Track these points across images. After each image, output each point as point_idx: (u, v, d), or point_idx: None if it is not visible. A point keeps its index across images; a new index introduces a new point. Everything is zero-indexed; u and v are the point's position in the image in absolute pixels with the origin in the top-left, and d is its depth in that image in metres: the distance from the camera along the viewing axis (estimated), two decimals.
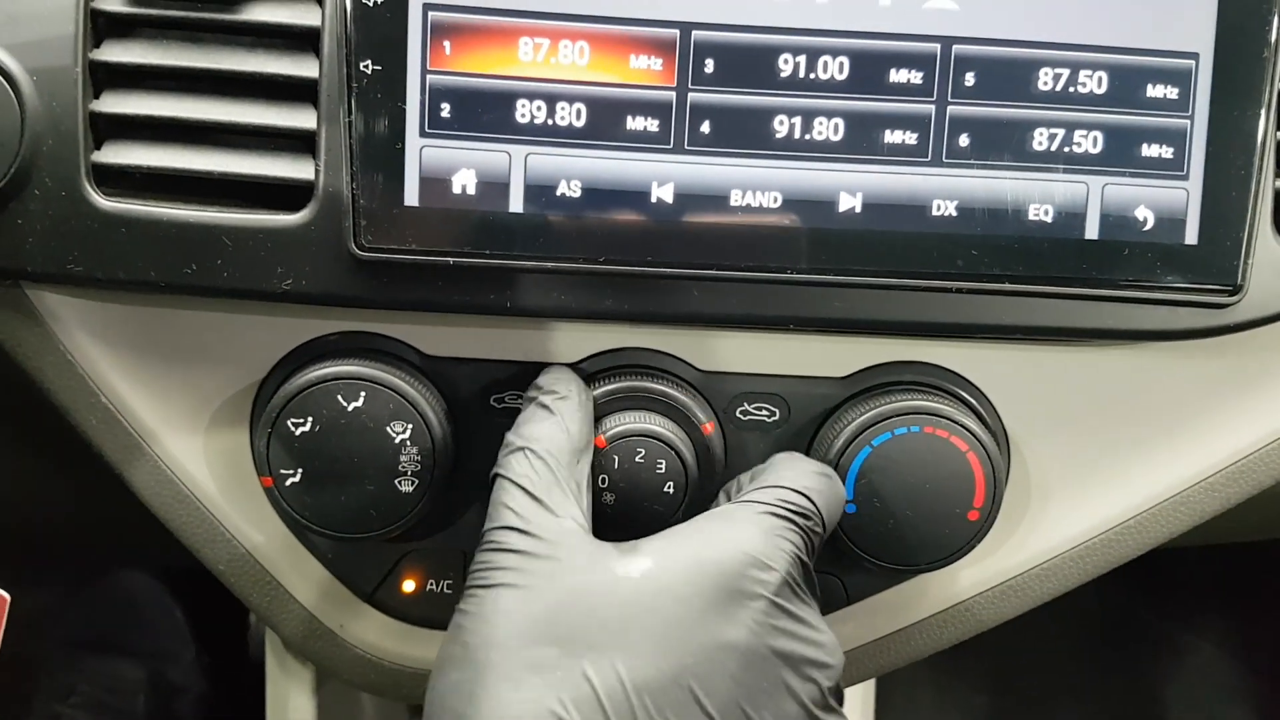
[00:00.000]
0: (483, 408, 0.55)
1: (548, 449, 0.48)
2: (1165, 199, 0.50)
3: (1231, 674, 1.51)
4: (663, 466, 0.52)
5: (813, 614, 0.47)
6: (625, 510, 0.53)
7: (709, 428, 0.54)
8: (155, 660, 1.29)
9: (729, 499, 0.51)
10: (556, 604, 0.43)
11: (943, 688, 1.54)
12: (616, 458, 0.52)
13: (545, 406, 0.50)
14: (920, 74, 0.49)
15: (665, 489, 0.52)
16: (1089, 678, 1.51)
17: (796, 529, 0.47)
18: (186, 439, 0.56)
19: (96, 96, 0.50)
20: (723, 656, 0.43)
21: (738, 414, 0.56)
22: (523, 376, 0.55)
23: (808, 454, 0.55)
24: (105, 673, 1.27)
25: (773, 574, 0.45)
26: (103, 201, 0.49)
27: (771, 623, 0.44)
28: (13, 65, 0.48)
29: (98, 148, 0.50)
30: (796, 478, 0.49)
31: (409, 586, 0.59)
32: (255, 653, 0.99)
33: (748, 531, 0.46)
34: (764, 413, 0.56)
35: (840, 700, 0.47)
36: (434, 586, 0.59)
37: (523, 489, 0.47)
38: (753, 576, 0.44)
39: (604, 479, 0.52)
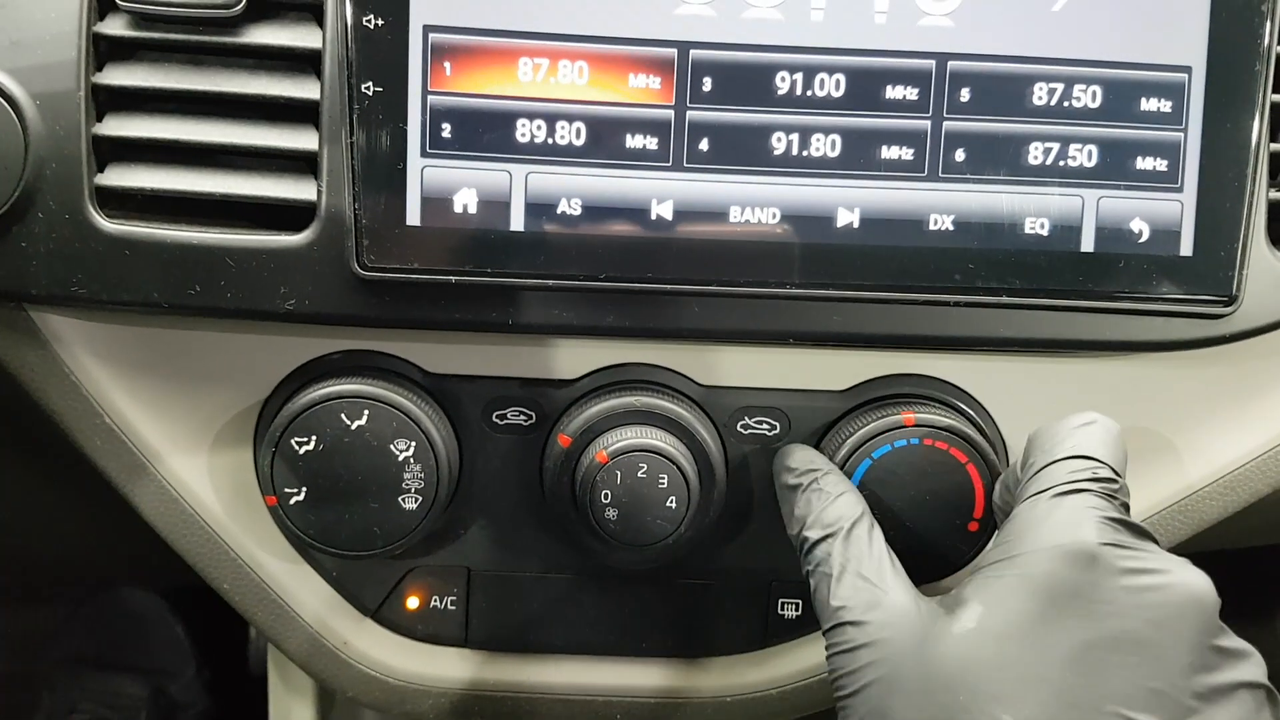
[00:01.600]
0: (485, 424, 0.56)
1: (843, 528, 0.48)
2: (1160, 211, 0.50)
3: None
4: (665, 481, 0.53)
5: (1152, 550, 0.44)
6: (629, 525, 0.53)
7: (710, 443, 0.55)
8: (156, 677, 1.29)
9: (1009, 491, 0.50)
10: (921, 683, 0.43)
11: None
12: (619, 473, 0.52)
13: (815, 487, 0.51)
14: (916, 90, 0.49)
15: (668, 503, 0.53)
16: None
17: (1093, 493, 0.45)
18: (191, 459, 0.56)
19: (99, 120, 0.50)
20: (1090, 654, 0.42)
21: (739, 428, 0.56)
22: (525, 393, 0.55)
23: None
24: (107, 689, 1.27)
25: (1090, 550, 0.43)
26: (106, 224, 0.50)
27: (1124, 587, 0.42)
28: (16, 90, 0.48)
29: (101, 170, 0.50)
30: (1065, 443, 0.47)
31: (413, 603, 0.59)
32: (256, 668, 0.99)
33: (1049, 528, 0.44)
34: (765, 426, 0.56)
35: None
36: (438, 603, 0.59)
37: (838, 577, 0.47)
38: (1077, 569, 0.43)
39: (607, 494, 0.52)
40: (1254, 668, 0.43)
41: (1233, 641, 0.43)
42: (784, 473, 0.53)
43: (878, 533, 0.49)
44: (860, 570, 0.47)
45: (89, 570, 1.09)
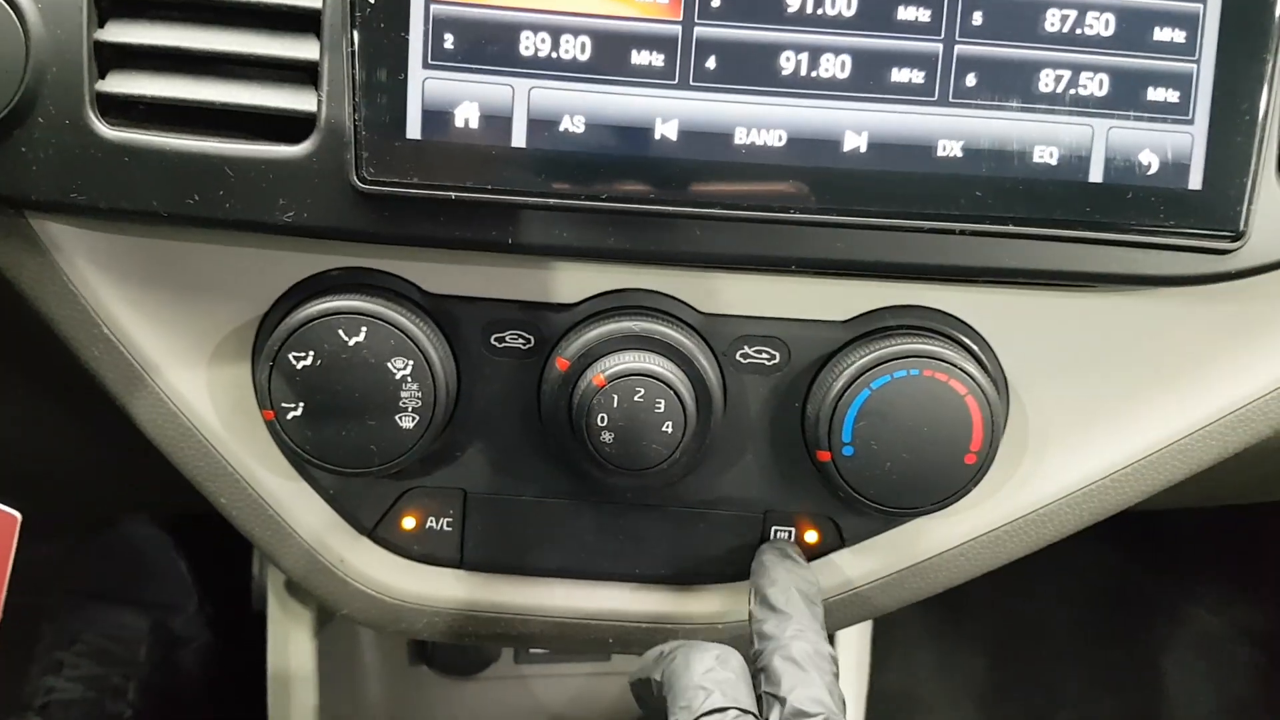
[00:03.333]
0: (483, 346, 0.56)
1: None
2: (1170, 143, 0.50)
3: (1229, 641, 1.51)
4: (661, 406, 0.53)
5: None
6: (624, 449, 0.53)
7: (709, 370, 0.54)
8: (158, 610, 1.30)
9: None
10: None
11: (941, 652, 1.55)
12: (616, 396, 0.52)
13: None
14: (928, 11, 0.48)
15: (664, 428, 0.53)
16: (1088, 645, 1.51)
17: None
18: (189, 372, 0.56)
19: (101, 25, 0.49)
20: None
21: (738, 356, 0.56)
22: (524, 316, 0.55)
23: (806, 396, 0.55)
24: (109, 622, 1.28)
25: None
26: (106, 130, 0.49)
27: None
28: None
29: (102, 77, 0.50)
30: (700, 695, 0.48)
31: (409, 523, 0.59)
32: (258, 604, 1.00)
33: None
34: (764, 355, 0.56)
35: None
36: (433, 524, 0.59)
37: None
38: None
39: (603, 418, 0.52)
40: None
41: None
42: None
43: None
44: None
45: (91, 498, 1.09)
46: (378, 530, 0.59)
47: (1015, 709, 1.50)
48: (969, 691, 1.52)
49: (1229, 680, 1.49)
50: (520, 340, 0.56)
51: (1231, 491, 0.93)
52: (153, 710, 1.23)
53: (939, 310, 0.56)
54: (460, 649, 0.90)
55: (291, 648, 0.79)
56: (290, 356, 0.52)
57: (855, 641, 0.97)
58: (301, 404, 0.52)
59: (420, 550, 0.60)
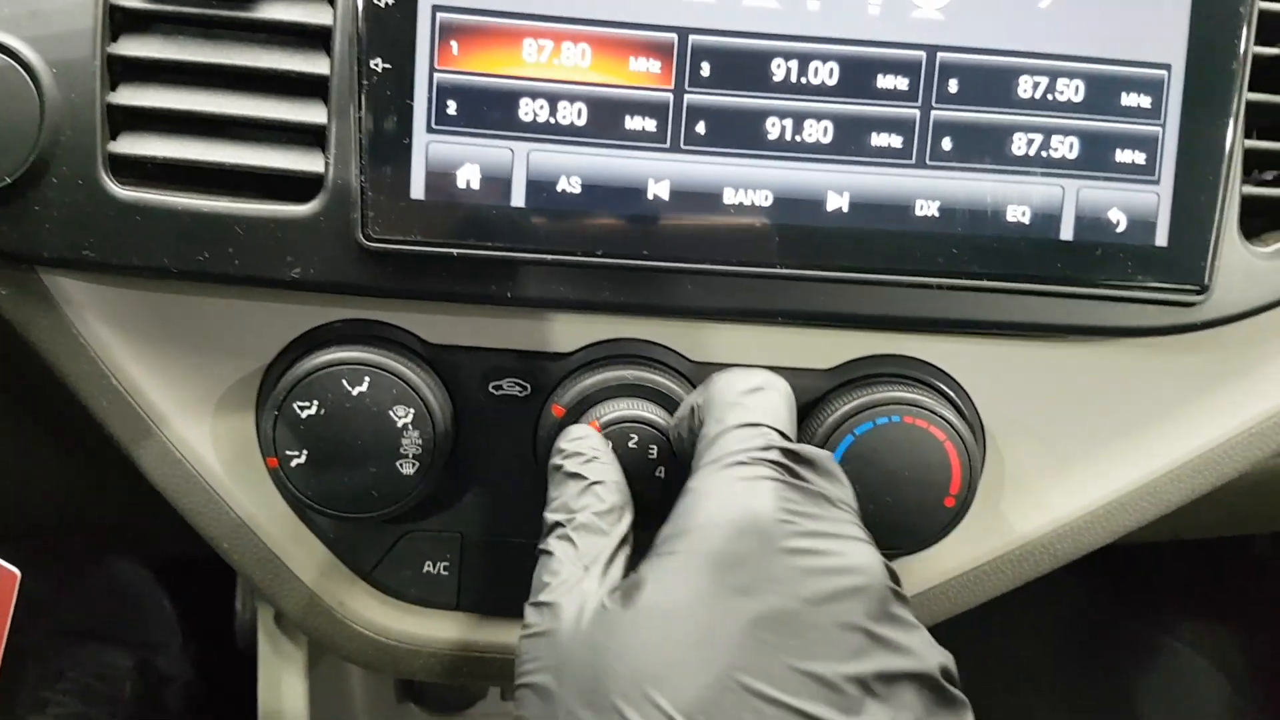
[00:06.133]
0: (481, 394, 0.57)
1: (580, 520, 0.47)
2: (1137, 202, 0.53)
3: (1201, 673, 1.52)
4: (654, 452, 0.54)
5: (827, 523, 0.43)
6: None
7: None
8: (143, 649, 1.30)
9: (683, 441, 0.51)
10: (588, 667, 0.41)
11: None
12: (611, 443, 0.54)
13: (575, 475, 0.50)
14: (906, 80, 0.51)
15: (657, 473, 0.55)
16: (1066, 677, 1.52)
17: (767, 463, 0.44)
18: (195, 422, 0.58)
19: (113, 89, 0.51)
20: (754, 633, 0.40)
21: None
22: (521, 364, 0.57)
23: None
24: (93, 660, 1.28)
25: (762, 523, 0.42)
26: (119, 190, 0.51)
27: (789, 565, 0.41)
28: (33, 58, 0.50)
29: (114, 138, 0.51)
30: (736, 409, 0.47)
31: (406, 568, 0.61)
32: (243, 642, 1.00)
33: (721, 501, 0.43)
34: None
35: (904, 600, 0.43)
36: (431, 568, 0.61)
37: (550, 568, 0.46)
38: (747, 543, 0.42)
39: None
40: (919, 657, 0.41)
41: (899, 630, 0.41)
42: (554, 453, 0.52)
43: (622, 523, 0.48)
44: (575, 557, 0.46)
45: (79, 541, 1.10)
46: (375, 573, 0.61)
47: None
48: None
49: (1200, 710, 1.50)
50: (517, 388, 0.58)
51: (1201, 528, 0.95)
52: None
53: (919, 359, 0.58)
54: (448, 686, 0.92)
55: (284, 687, 0.80)
56: (295, 405, 0.53)
57: None
58: (305, 451, 0.54)
59: (417, 593, 0.61)
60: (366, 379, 0.53)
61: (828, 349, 0.58)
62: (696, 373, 0.58)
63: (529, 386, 0.58)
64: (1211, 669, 1.52)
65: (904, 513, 0.56)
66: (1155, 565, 1.50)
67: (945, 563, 0.62)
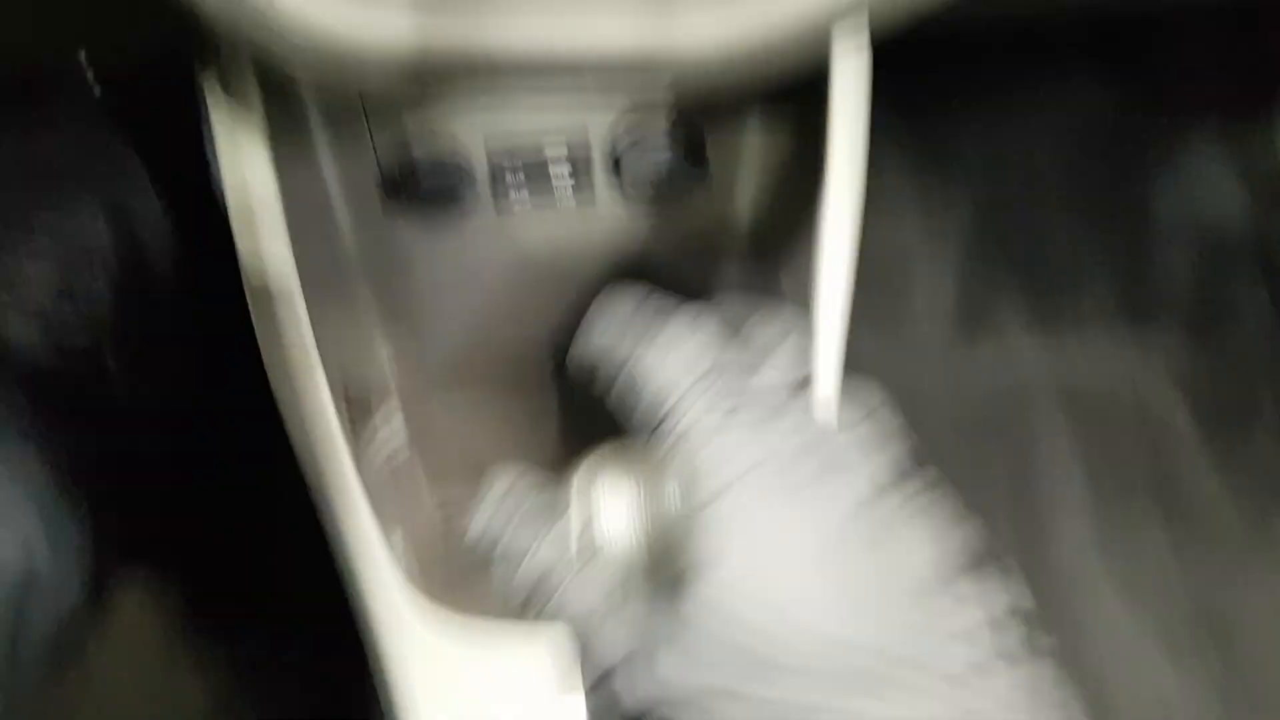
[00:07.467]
0: None
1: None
2: None
3: (1219, 177, 1.51)
4: None
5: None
6: None
7: None
8: (119, 212, 1.24)
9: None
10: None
11: (928, 214, 1.53)
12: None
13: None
14: None
15: None
16: (1083, 186, 1.50)
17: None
18: None
19: None
20: None
21: None
22: None
23: None
24: (71, 223, 1.22)
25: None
26: None
27: None
28: None
29: None
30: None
31: None
32: (218, 185, 0.93)
33: None
34: None
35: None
36: None
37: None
38: None
39: None
40: None
41: None
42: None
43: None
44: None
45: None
46: None
47: (1001, 263, 1.51)
48: (957, 248, 1.52)
49: (1215, 213, 1.50)
50: None
51: None
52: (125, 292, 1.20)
53: None
54: (438, 180, 0.83)
55: (244, 155, 0.71)
56: None
57: (846, 205, 0.89)
58: None
59: None
60: None
61: None
62: None
63: None
64: (1231, 174, 1.50)
65: None
66: (1177, 63, 1.45)
67: None
